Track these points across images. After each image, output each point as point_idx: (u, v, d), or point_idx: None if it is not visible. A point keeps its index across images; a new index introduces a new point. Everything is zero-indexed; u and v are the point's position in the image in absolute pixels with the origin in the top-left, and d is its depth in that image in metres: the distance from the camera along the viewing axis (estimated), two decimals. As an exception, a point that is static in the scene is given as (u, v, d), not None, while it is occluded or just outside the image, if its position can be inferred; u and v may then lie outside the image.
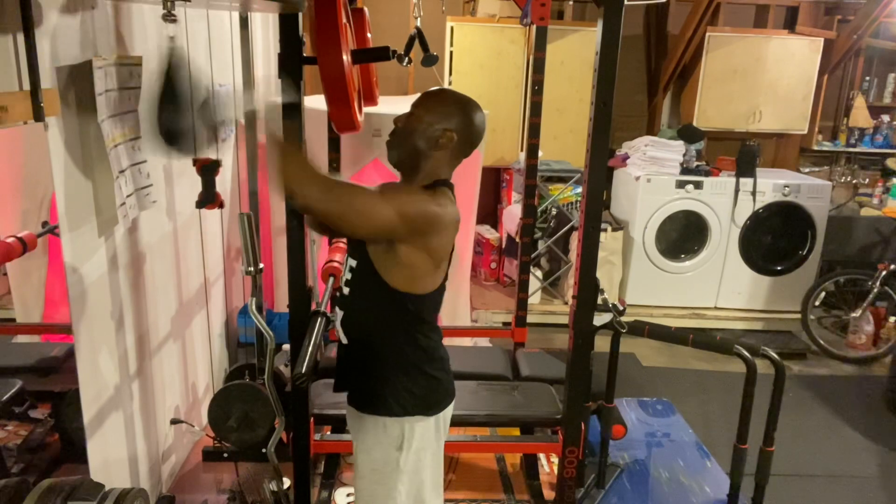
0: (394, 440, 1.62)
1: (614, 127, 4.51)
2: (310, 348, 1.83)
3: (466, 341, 3.70)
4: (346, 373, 1.70)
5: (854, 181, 5.75)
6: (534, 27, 2.97)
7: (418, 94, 1.65)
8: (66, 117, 1.65)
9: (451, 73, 4.76)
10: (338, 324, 1.68)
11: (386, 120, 3.31)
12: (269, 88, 3.89)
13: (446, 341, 1.73)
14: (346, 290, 1.64)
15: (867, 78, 5.70)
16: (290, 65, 1.84)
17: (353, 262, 1.61)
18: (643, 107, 5.69)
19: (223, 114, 1.67)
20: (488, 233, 5.04)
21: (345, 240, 2.56)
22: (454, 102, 1.59)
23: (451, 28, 4.69)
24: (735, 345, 2.25)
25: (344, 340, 1.67)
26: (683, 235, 4.72)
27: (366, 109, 2.29)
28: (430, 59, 2.91)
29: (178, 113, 1.61)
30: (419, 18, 3.00)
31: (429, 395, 1.65)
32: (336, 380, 1.75)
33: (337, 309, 1.69)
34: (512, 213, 4.58)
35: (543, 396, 2.58)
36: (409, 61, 2.71)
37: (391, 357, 1.62)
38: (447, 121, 1.55)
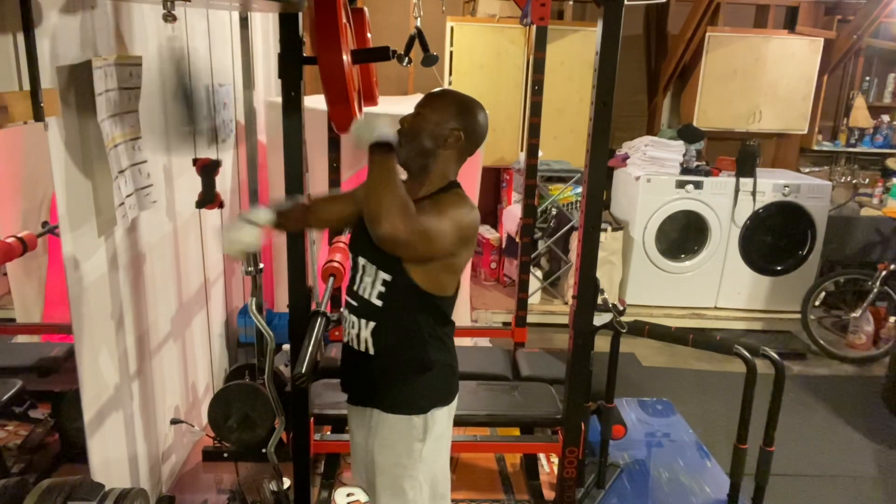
0: (417, 432, 1.64)
1: (614, 127, 4.50)
2: (310, 348, 1.83)
3: (466, 341, 3.70)
4: (375, 381, 1.67)
5: (854, 181, 5.75)
6: (534, 27, 2.97)
7: (418, 94, 1.66)
8: (66, 117, 1.65)
9: (451, 73, 4.75)
10: (364, 334, 1.63)
11: (385, 120, 3.31)
12: (269, 88, 3.89)
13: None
14: (378, 303, 1.60)
15: (867, 78, 5.70)
16: (290, 65, 1.85)
17: (386, 276, 1.58)
18: (643, 107, 5.69)
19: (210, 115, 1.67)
20: (488, 233, 5.04)
21: (345, 240, 2.56)
22: (459, 102, 1.62)
23: (451, 28, 4.69)
24: (735, 345, 2.25)
25: (372, 350, 1.63)
26: (683, 235, 4.72)
27: (366, 109, 2.29)
28: (430, 59, 2.91)
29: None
30: (419, 18, 3.00)
31: (447, 385, 1.70)
32: (359, 391, 1.73)
33: (356, 319, 1.64)
34: (512, 213, 4.58)
35: (543, 396, 2.58)
36: (409, 61, 2.71)
37: (418, 359, 1.64)
38: (454, 120, 1.58)
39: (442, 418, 1.68)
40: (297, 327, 2.00)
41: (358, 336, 1.64)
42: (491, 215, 5.32)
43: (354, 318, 1.65)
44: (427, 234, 1.46)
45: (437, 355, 1.66)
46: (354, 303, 1.65)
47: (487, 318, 4.46)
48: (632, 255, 4.66)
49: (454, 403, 1.74)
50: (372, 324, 1.62)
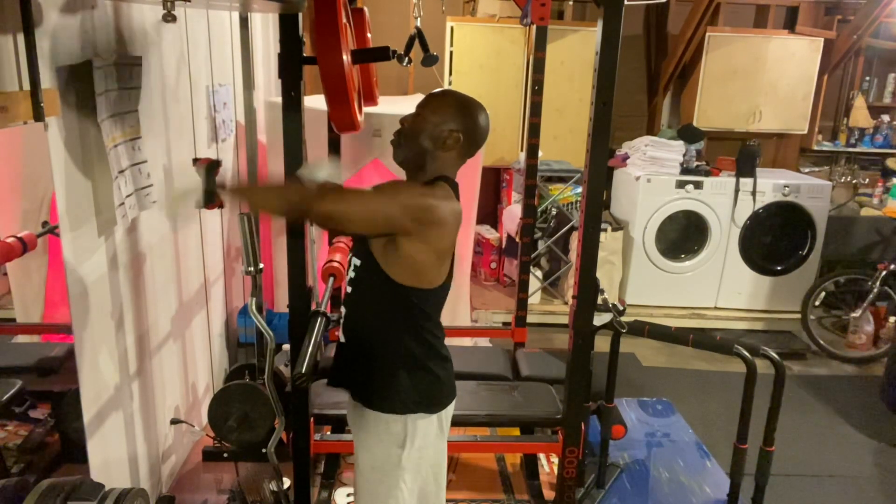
0: (396, 437, 1.62)
1: (614, 127, 4.51)
2: (310, 348, 1.83)
3: (466, 341, 3.70)
4: (348, 370, 1.70)
5: (854, 181, 5.75)
6: (534, 27, 2.97)
7: (418, 94, 1.66)
8: (66, 117, 1.65)
9: (451, 73, 4.75)
10: (343, 322, 1.68)
11: (386, 120, 3.32)
12: (269, 88, 3.89)
13: (446, 341, 1.72)
14: (349, 289, 1.66)
15: (867, 78, 5.70)
16: (290, 65, 1.84)
17: (357, 261, 1.62)
18: (643, 107, 5.69)
19: None
20: (488, 233, 5.04)
21: (346, 241, 2.57)
22: (460, 104, 1.61)
23: (451, 28, 4.69)
24: (735, 345, 2.25)
25: (346, 337, 1.68)
26: (683, 235, 4.72)
27: (366, 109, 2.29)
28: (430, 59, 2.91)
29: None
30: (419, 18, 3.00)
31: (431, 392, 1.66)
32: (333, 375, 1.75)
33: (342, 307, 1.69)
34: (512, 213, 4.58)
35: (543, 396, 2.58)
36: (409, 61, 2.70)
37: (395, 353, 1.62)
38: (453, 121, 1.58)
39: (428, 428, 1.65)
40: (297, 327, 2.00)
41: (341, 324, 1.69)
42: (491, 215, 5.32)
43: (342, 307, 1.69)
44: (365, 207, 1.50)
45: (418, 355, 1.62)
46: (342, 293, 1.70)
47: (487, 318, 4.46)
48: (632, 255, 4.66)
49: (446, 415, 1.70)
50: (346, 311, 1.67)
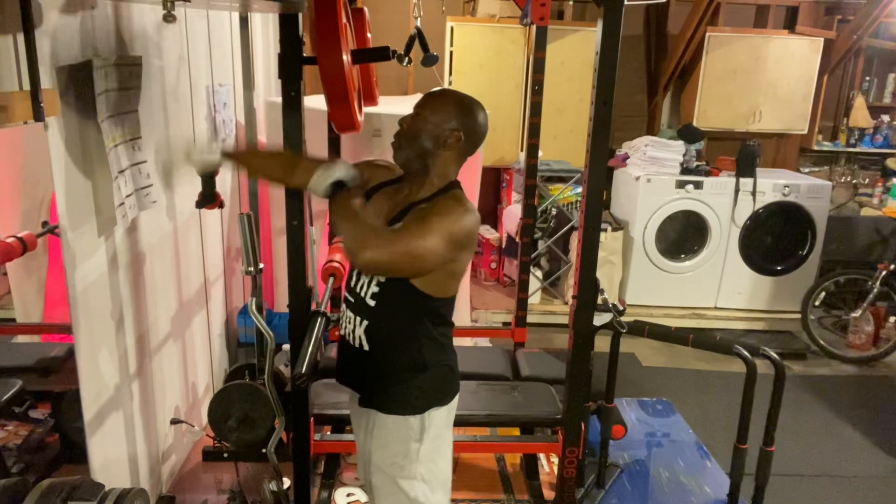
0: (413, 432, 1.64)
1: (614, 127, 4.50)
2: (310, 348, 1.83)
3: (466, 341, 3.70)
4: (366, 377, 1.69)
5: (854, 181, 5.75)
6: (534, 27, 2.97)
7: (418, 94, 1.66)
8: (66, 117, 1.65)
9: (451, 73, 4.75)
10: (358, 331, 1.64)
11: (386, 120, 3.32)
12: (269, 88, 3.89)
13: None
14: (371, 303, 1.61)
15: (867, 78, 5.70)
16: (290, 65, 1.85)
17: (380, 277, 1.59)
18: (643, 107, 5.69)
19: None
20: (488, 233, 5.04)
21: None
22: (459, 102, 1.61)
23: (451, 28, 4.69)
24: (735, 345, 2.25)
25: (366, 347, 1.64)
26: (683, 235, 4.72)
27: (366, 109, 2.29)
28: (430, 59, 2.91)
29: None
30: (419, 18, 3.00)
31: (444, 385, 1.69)
32: (346, 378, 1.75)
33: (352, 315, 1.66)
34: (512, 213, 4.58)
35: (543, 396, 2.58)
36: (409, 61, 2.70)
37: (415, 359, 1.63)
38: (453, 120, 1.58)
39: (440, 418, 1.67)
40: (297, 327, 2.00)
41: (353, 332, 1.66)
42: (491, 215, 5.32)
43: (350, 314, 1.66)
44: (412, 255, 1.46)
45: (433, 356, 1.65)
46: (351, 299, 1.67)
47: (487, 318, 4.46)
48: (632, 255, 4.66)
49: (454, 403, 1.73)
50: (365, 322, 1.63)
